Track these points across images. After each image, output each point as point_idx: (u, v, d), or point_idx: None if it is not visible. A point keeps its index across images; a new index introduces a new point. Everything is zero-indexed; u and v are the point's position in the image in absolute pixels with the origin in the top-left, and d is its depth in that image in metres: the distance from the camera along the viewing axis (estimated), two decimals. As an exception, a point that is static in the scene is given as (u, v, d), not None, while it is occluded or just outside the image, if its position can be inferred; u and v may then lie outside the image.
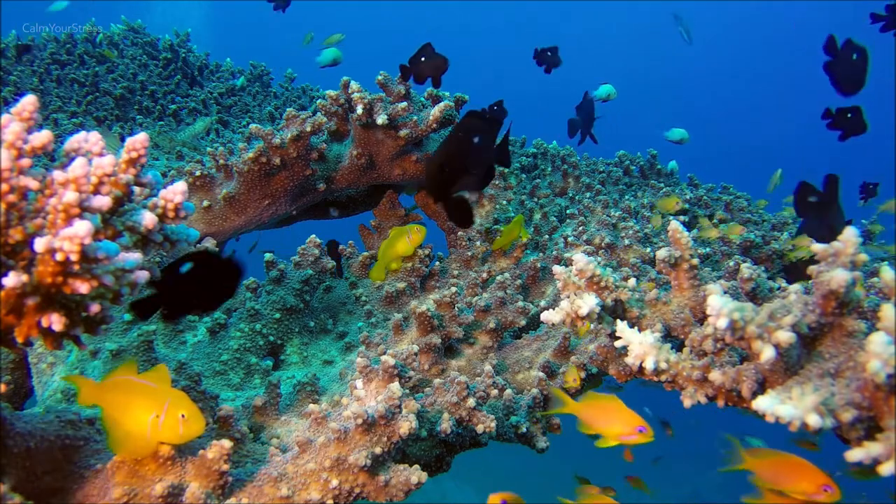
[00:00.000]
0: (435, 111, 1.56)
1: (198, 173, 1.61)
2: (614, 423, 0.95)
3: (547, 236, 1.80)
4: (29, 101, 0.68)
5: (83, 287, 0.66)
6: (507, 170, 1.94)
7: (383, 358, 1.01)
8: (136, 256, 0.70)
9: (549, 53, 2.45)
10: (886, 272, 0.79)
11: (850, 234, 0.81)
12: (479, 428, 1.03)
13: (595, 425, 0.96)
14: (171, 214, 0.78)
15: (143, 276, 0.72)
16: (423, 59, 1.75)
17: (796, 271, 1.67)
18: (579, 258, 0.98)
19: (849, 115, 2.13)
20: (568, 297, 0.95)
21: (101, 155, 0.74)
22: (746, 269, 0.96)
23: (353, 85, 1.54)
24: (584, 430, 1.00)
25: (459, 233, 1.74)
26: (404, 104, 1.52)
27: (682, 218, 1.89)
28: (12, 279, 0.63)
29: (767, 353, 0.77)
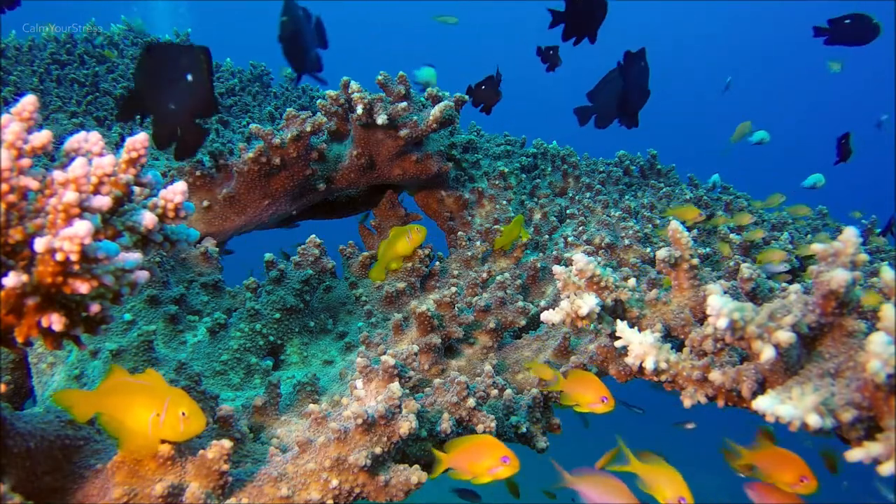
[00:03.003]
0: (435, 111, 1.56)
1: (198, 173, 1.61)
2: (586, 392, 1.08)
3: (547, 236, 1.80)
4: (29, 101, 0.68)
5: (83, 287, 0.66)
6: (506, 169, 1.94)
7: (383, 358, 1.01)
8: (136, 256, 0.70)
9: (550, 52, 2.48)
10: (886, 272, 0.79)
11: (849, 234, 0.81)
12: (479, 428, 1.02)
13: (572, 395, 1.11)
14: (171, 214, 0.78)
15: (143, 276, 0.72)
16: (483, 87, 2.05)
17: None
18: (579, 258, 0.98)
19: (843, 142, 2.29)
20: (568, 297, 0.95)
21: (101, 155, 0.74)
22: (746, 269, 0.96)
23: (353, 85, 1.54)
24: (564, 402, 1.12)
25: (459, 233, 1.74)
26: (404, 104, 1.52)
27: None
28: (12, 279, 0.63)
29: (767, 353, 0.77)
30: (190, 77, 1.28)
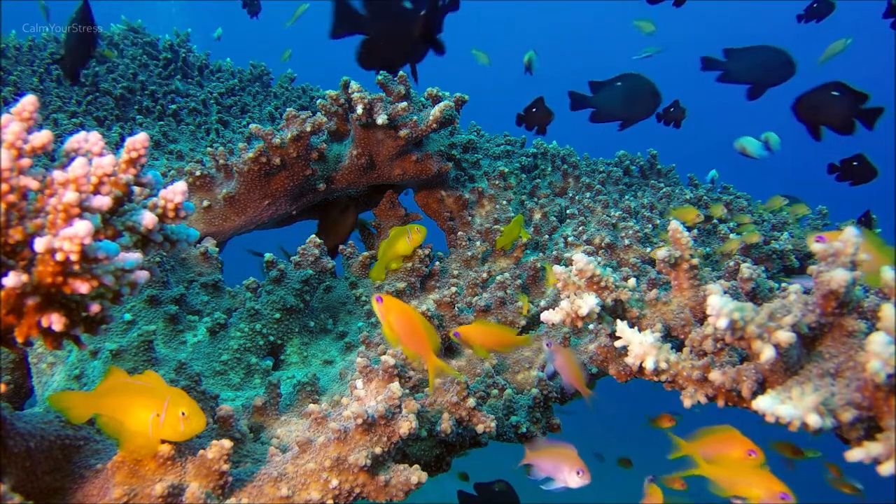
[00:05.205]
0: (435, 111, 1.56)
1: (198, 173, 1.61)
2: (752, 485, 0.92)
3: (547, 236, 1.80)
4: (29, 101, 0.68)
5: (83, 287, 0.66)
6: (506, 169, 1.94)
7: (383, 358, 1.01)
8: (136, 256, 0.70)
9: (672, 109, 2.48)
10: (886, 272, 0.79)
11: (849, 234, 0.81)
12: (479, 428, 1.03)
13: (729, 487, 0.94)
14: (171, 214, 0.78)
15: (143, 276, 0.71)
16: (534, 109, 2.24)
17: None
18: (579, 258, 0.98)
19: (854, 164, 2.19)
20: (568, 297, 0.95)
21: (101, 155, 0.74)
22: (746, 269, 0.96)
23: (353, 85, 1.54)
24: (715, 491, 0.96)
25: (459, 233, 1.74)
26: (404, 104, 1.52)
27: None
28: (12, 279, 0.63)
29: (767, 353, 0.77)
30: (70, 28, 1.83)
